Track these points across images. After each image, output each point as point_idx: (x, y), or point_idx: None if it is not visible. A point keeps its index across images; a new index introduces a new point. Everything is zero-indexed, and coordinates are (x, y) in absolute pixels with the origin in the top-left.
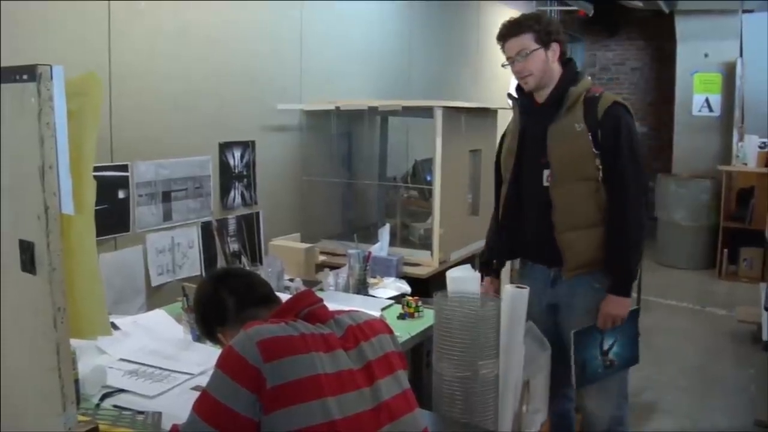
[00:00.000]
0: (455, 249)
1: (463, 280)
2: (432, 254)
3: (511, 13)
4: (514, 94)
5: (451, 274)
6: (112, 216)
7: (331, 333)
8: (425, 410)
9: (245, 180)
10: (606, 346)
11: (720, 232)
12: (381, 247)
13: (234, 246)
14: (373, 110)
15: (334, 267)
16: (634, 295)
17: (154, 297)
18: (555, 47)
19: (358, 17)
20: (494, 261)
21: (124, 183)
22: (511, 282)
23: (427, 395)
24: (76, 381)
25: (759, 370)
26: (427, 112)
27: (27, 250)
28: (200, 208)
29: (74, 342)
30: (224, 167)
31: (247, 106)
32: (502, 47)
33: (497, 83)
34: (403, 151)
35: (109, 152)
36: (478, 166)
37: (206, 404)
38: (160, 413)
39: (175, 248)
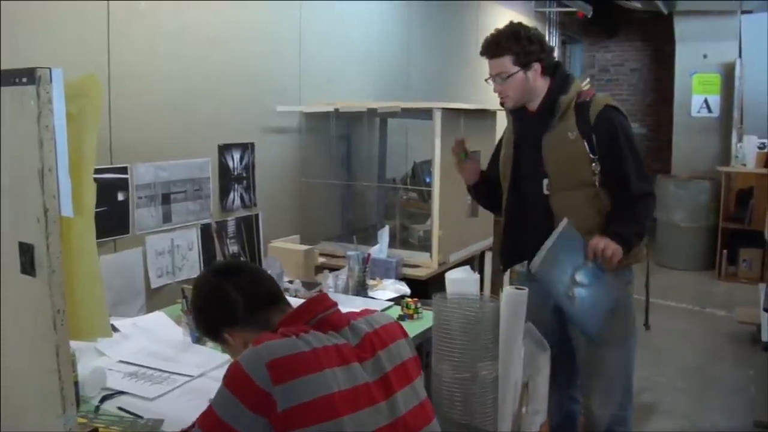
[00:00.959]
0: (454, 250)
1: (463, 281)
2: (431, 256)
3: (511, 13)
4: (502, 107)
5: (450, 276)
6: (112, 218)
7: (345, 343)
8: None
9: (244, 182)
10: (577, 278)
11: (719, 233)
12: (380, 249)
13: (233, 248)
14: (372, 112)
15: (333, 269)
16: (641, 297)
17: (154, 299)
18: (536, 67)
19: (358, 18)
20: None
21: (123, 185)
22: (511, 283)
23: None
24: (76, 383)
25: (758, 371)
26: (426, 113)
27: (27, 253)
28: (200, 210)
29: (74, 344)
30: (223, 169)
31: (246, 107)
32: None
33: None
34: (403, 152)
35: (109, 154)
36: None
37: (210, 421)
38: (162, 420)
39: (174, 250)
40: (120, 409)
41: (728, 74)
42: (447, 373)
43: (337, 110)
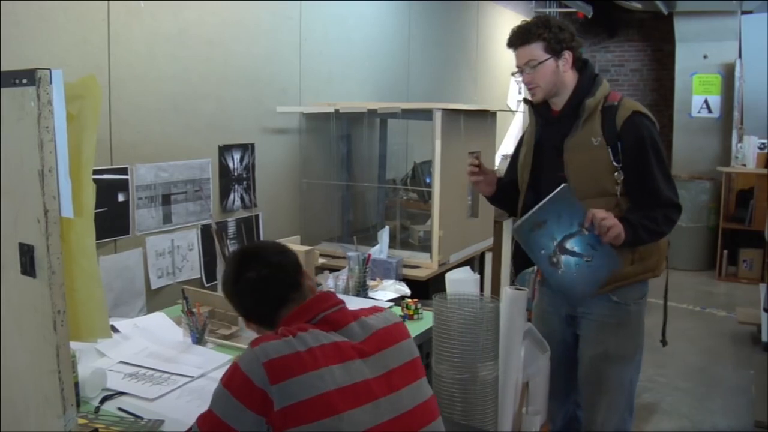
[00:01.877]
0: (455, 251)
1: (463, 282)
2: (431, 256)
3: (510, 14)
4: (531, 99)
5: (450, 276)
6: (112, 219)
7: (345, 341)
8: None
9: (245, 182)
10: (566, 244)
11: (719, 233)
12: (380, 250)
13: (234, 248)
14: (372, 112)
15: (333, 269)
16: (657, 301)
17: (154, 300)
18: (567, 55)
19: (358, 19)
20: None
21: (123, 186)
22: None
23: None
24: (76, 383)
25: (759, 372)
26: (426, 114)
27: (27, 254)
28: (200, 211)
29: (74, 344)
30: (224, 170)
31: (246, 108)
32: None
33: (496, 84)
34: (403, 153)
35: (109, 155)
36: None
37: (209, 421)
38: (162, 421)
39: (174, 251)
40: (120, 409)
41: (728, 75)
42: (447, 373)
43: (337, 111)
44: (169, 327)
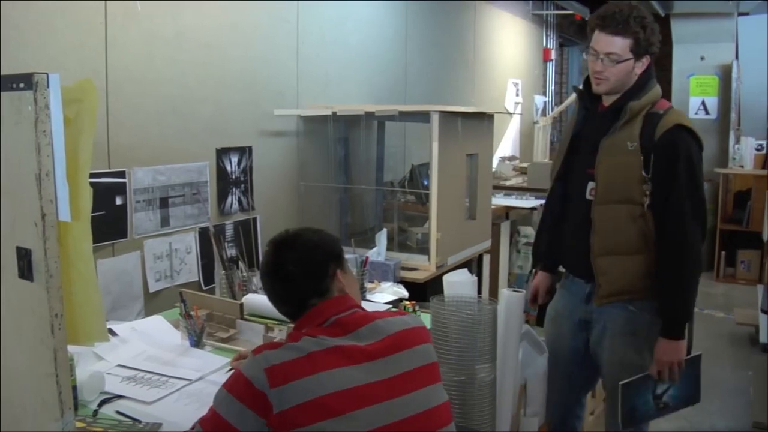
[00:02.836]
0: (452, 253)
1: (460, 284)
2: (429, 259)
3: (507, 15)
4: (581, 87)
5: (448, 279)
6: (110, 222)
7: (353, 345)
8: None
9: (242, 185)
10: (660, 391)
11: (717, 235)
12: (378, 252)
13: (231, 251)
14: (369, 115)
15: None
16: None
17: (152, 303)
18: (645, 60)
19: (355, 21)
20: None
21: (121, 189)
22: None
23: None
24: (74, 387)
25: (757, 373)
26: (423, 116)
27: (24, 257)
28: (198, 214)
29: (72, 348)
30: (221, 173)
31: (244, 111)
32: (592, 32)
33: (494, 86)
34: (400, 155)
35: (107, 158)
36: (474, 171)
37: (213, 423)
38: (160, 424)
39: (172, 254)
40: (118, 413)
41: (725, 76)
42: (445, 375)
43: (334, 113)
44: (167, 330)
